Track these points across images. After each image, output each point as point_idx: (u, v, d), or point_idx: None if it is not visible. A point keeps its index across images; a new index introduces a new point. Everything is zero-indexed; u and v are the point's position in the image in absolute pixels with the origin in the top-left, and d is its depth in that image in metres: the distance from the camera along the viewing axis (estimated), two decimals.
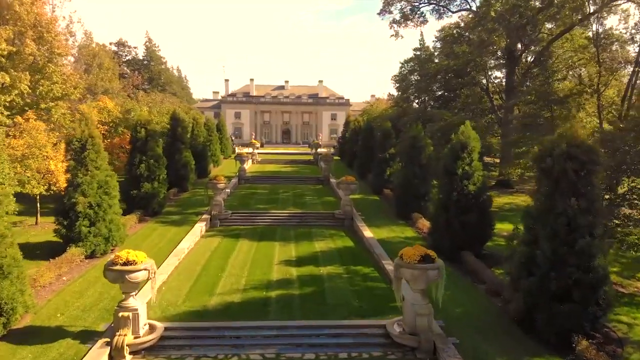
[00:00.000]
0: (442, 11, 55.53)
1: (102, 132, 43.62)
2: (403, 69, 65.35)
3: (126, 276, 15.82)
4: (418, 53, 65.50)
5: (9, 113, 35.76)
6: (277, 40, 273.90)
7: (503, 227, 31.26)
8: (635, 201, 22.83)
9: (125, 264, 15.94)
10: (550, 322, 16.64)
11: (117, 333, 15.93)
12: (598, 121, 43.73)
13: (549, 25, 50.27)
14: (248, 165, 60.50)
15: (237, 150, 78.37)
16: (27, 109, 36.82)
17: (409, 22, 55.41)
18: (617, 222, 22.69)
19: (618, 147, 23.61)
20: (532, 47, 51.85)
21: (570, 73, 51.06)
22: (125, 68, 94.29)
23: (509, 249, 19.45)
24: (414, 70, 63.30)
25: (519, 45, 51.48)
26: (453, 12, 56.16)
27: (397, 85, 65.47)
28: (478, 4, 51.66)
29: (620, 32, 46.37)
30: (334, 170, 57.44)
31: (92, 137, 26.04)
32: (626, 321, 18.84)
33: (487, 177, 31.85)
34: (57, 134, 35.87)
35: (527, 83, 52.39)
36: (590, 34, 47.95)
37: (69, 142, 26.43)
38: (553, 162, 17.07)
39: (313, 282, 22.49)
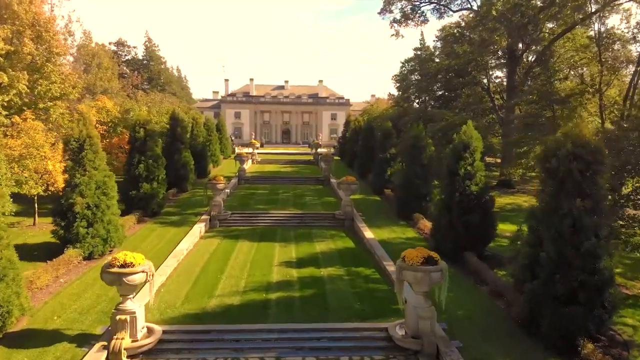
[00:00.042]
0: (442, 10, 55.31)
1: (101, 132, 43.34)
2: (404, 68, 65.14)
3: (123, 279, 15.53)
4: (418, 53, 65.31)
5: (7, 113, 35.48)
6: (277, 40, 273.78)
7: (505, 228, 31.05)
8: None
9: (122, 266, 15.65)
10: (555, 325, 16.34)
11: (115, 337, 15.66)
12: (600, 121, 43.49)
13: (549, 25, 49.99)
14: (248, 166, 60.25)
15: (237, 150, 78.10)
16: (25, 108, 36.50)
17: (409, 22, 55.17)
18: (621, 223, 22.39)
19: (622, 147, 23.34)
20: (533, 47, 51.57)
21: (572, 73, 50.79)
22: (124, 68, 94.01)
23: (512, 250, 19.17)
24: (414, 70, 63.09)
25: (520, 45, 51.23)
26: (454, 12, 55.96)
27: (398, 84, 65.26)
28: (479, 3, 51.45)
29: (622, 31, 46.13)
30: (334, 170, 57.17)
31: (90, 137, 25.74)
32: (631, 323, 18.55)
33: (488, 177, 31.55)
34: (55, 133, 35.59)
35: (528, 83, 52.14)
36: (591, 33, 47.70)
37: (66, 142, 26.18)
38: (558, 163, 16.78)
39: (314, 284, 22.20)
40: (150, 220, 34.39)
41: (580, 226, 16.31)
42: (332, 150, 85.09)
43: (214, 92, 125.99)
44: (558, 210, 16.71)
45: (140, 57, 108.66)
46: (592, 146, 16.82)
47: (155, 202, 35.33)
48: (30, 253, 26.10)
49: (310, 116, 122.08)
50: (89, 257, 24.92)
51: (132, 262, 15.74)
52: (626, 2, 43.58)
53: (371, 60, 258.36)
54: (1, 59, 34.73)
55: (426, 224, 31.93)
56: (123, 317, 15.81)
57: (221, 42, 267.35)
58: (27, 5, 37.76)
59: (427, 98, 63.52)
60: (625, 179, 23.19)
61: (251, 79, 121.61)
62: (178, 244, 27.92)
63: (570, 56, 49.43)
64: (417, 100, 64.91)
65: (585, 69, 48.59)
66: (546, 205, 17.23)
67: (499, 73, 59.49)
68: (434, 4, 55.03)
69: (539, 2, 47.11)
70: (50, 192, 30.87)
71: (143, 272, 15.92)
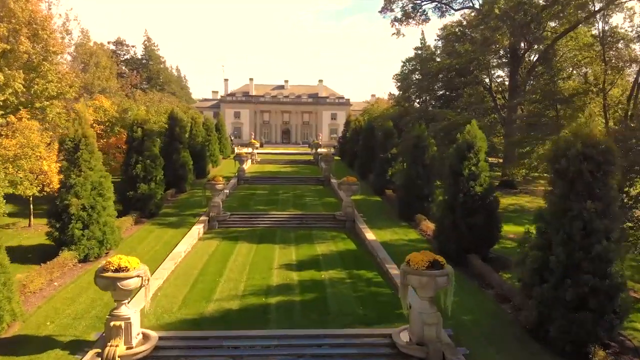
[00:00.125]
0: (444, 9, 54.82)
1: (98, 131, 42.73)
2: (404, 67, 64.63)
3: (118, 283, 14.97)
4: (419, 52, 64.78)
5: (2, 112, 34.87)
6: (276, 40, 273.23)
7: (508, 229, 30.49)
8: None
9: (117, 270, 15.08)
10: (565, 331, 15.80)
11: (109, 343, 15.10)
12: (604, 121, 42.96)
13: (552, 24, 49.45)
14: (247, 166, 59.70)
15: (237, 150, 77.52)
16: (21, 108, 35.95)
17: (410, 20, 54.66)
18: (630, 225, 21.85)
19: (631, 147, 22.79)
20: (536, 46, 51.03)
21: (575, 72, 50.26)
22: (123, 67, 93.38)
23: (519, 253, 18.58)
24: (415, 70, 62.58)
25: (523, 44, 50.71)
26: (455, 10, 55.44)
27: (399, 84, 64.72)
28: (481, 2, 50.87)
29: (626, 30, 45.62)
30: (335, 170, 56.66)
31: (85, 137, 25.16)
32: None
33: (490, 178, 30.99)
34: (51, 133, 34.99)
35: (531, 82, 51.60)
36: (595, 32, 47.20)
37: (61, 142, 25.57)
38: (568, 163, 16.23)
39: (314, 288, 21.62)
40: (148, 221, 33.82)
41: (591, 229, 15.78)
42: (332, 150, 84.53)
43: (213, 91, 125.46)
44: (568, 212, 16.16)
45: (139, 57, 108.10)
46: (603, 146, 16.29)
47: (153, 203, 34.76)
48: (24, 255, 25.62)
49: (310, 116, 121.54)
50: (85, 260, 24.34)
51: (126, 267, 15.16)
52: (630, 0, 43.17)
53: (371, 60, 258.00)
54: None
55: (428, 225, 31.38)
56: (117, 323, 15.24)
57: (221, 42, 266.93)
58: (23, 3, 37.15)
59: (428, 98, 63.02)
60: (634, 180, 22.63)
61: (251, 79, 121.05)
62: (176, 246, 27.35)
63: (573, 55, 48.91)
64: (417, 100, 64.42)
65: (588, 68, 48.10)
66: (555, 207, 16.67)
67: (500, 72, 59.08)
68: (436, 3, 54.54)
69: (541, 1, 46.57)
70: (45, 193, 30.29)
71: (138, 276, 15.35)
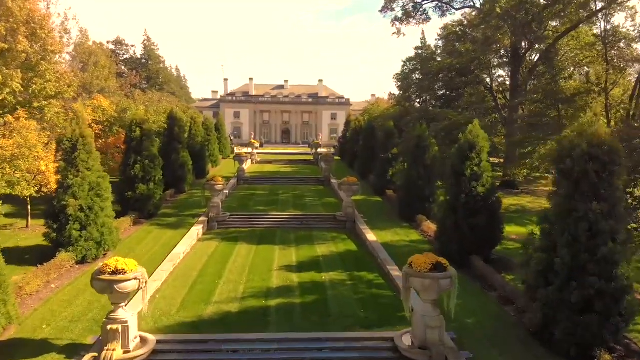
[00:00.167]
0: (445, 8, 54.46)
1: (97, 131, 42.46)
2: (405, 67, 64.34)
3: (115, 286, 14.66)
4: (420, 52, 64.51)
5: (0, 112, 34.61)
6: (276, 40, 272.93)
7: (510, 230, 30.27)
8: None
9: (113, 273, 14.77)
10: (570, 334, 15.52)
11: (106, 347, 14.80)
12: (605, 120, 42.72)
13: (553, 23, 49.15)
14: (247, 166, 59.41)
15: (236, 150, 77.30)
16: (19, 107, 35.65)
17: (411, 20, 54.32)
18: (634, 226, 21.54)
19: (635, 147, 22.50)
20: (537, 45, 50.74)
21: (577, 71, 50.01)
22: (122, 67, 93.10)
23: (523, 255, 18.30)
24: (415, 69, 62.30)
25: (524, 43, 50.43)
26: (456, 9, 55.12)
27: (399, 84, 64.43)
28: (482, 1, 50.54)
29: (628, 29, 45.36)
30: (335, 170, 56.38)
31: (83, 137, 24.84)
32: None
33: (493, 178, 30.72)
34: (49, 133, 34.70)
35: (532, 82, 51.30)
36: (596, 31, 46.93)
37: (59, 141, 25.28)
38: (573, 163, 15.93)
39: (315, 290, 21.32)
40: (147, 222, 33.52)
41: (597, 230, 15.49)
42: (332, 150, 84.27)
43: (213, 91, 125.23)
44: (573, 213, 15.87)
45: (139, 56, 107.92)
46: (609, 146, 16.00)
47: (151, 204, 34.45)
48: (21, 256, 25.36)
49: (310, 116, 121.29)
50: (82, 261, 24.04)
51: (123, 269, 14.86)
52: None
53: (371, 60, 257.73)
54: None
55: (430, 226, 31.11)
56: (114, 326, 14.94)
57: (221, 41, 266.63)
58: (21, 2, 36.85)
59: (428, 97, 62.76)
60: (638, 181, 22.34)
61: (250, 79, 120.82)
62: (175, 247, 27.05)
63: (574, 55, 48.66)
64: (418, 100, 64.18)
65: (590, 67, 47.85)
66: (560, 208, 16.38)
67: (501, 72, 58.80)
68: (436, 2, 54.22)
69: (543, 0, 46.29)
70: (43, 194, 29.98)
71: (135, 279, 15.04)
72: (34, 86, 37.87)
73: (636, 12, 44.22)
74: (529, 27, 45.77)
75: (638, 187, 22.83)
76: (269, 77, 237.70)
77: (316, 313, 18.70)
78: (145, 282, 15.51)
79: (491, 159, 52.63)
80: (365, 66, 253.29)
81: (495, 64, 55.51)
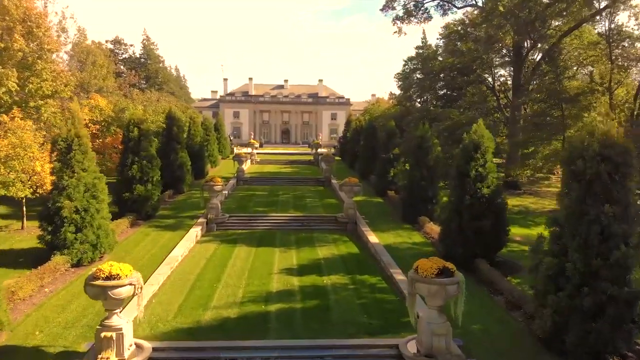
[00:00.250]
0: (446, 7, 53.90)
1: (94, 131, 41.91)
2: (406, 66, 63.78)
3: (109, 292, 14.04)
4: (421, 51, 63.97)
5: None
6: (276, 40, 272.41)
7: (515, 231, 29.59)
8: None
9: (107, 278, 14.13)
10: (581, 340, 14.95)
11: (100, 355, 14.18)
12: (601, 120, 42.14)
13: (555, 23, 48.59)
14: (247, 166, 58.84)
15: (236, 150, 76.76)
16: (15, 107, 35.08)
17: (412, 19, 53.73)
18: None
19: None
20: (540, 45, 50.19)
21: (580, 71, 49.47)
22: (121, 67, 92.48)
23: (532, 258, 17.68)
24: (416, 69, 61.77)
25: (526, 42, 49.89)
26: (458, 8, 54.57)
27: (400, 83, 63.88)
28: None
29: (632, 28, 44.88)
30: (335, 171, 55.82)
31: (78, 137, 24.21)
32: None
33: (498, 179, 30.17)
34: (45, 133, 34.13)
35: (535, 81, 50.76)
36: (600, 30, 46.45)
37: (54, 142, 24.68)
38: (585, 164, 15.36)
39: (316, 294, 20.72)
40: (145, 223, 32.93)
41: (609, 234, 14.92)
42: (333, 150, 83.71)
43: (212, 91, 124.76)
44: (584, 216, 15.29)
45: (138, 56, 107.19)
46: (621, 146, 15.44)
47: (149, 205, 33.85)
48: (15, 259, 24.79)
49: (310, 116, 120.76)
50: (78, 264, 23.42)
51: (118, 274, 14.23)
52: None
53: (371, 60, 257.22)
54: None
55: (433, 228, 30.54)
56: (108, 334, 14.33)
57: (220, 41, 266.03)
58: (17, 0, 36.35)
59: (429, 97, 62.24)
60: None
61: (250, 79, 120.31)
62: (172, 249, 26.45)
63: (577, 54, 48.13)
64: (419, 100, 63.68)
65: (594, 67, 47.31)
66: (571, 211, 15.79)
67: (502, 72, 58.26)
68: (438, 0, 53.62)
69: None
70: (38, 195, 29.41)
71: (130, 284, 14.42)
72: (30, 85, 37.37)
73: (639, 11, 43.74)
74: (532, 26, 45.21)
75: None
76: (269, 77, 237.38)
77: (318, 319, 18.10)
78: (141, 288, 14.89)
79: (494, 159, 52.23)
80: (365, 66, 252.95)
81: (497, 63, 54.99)
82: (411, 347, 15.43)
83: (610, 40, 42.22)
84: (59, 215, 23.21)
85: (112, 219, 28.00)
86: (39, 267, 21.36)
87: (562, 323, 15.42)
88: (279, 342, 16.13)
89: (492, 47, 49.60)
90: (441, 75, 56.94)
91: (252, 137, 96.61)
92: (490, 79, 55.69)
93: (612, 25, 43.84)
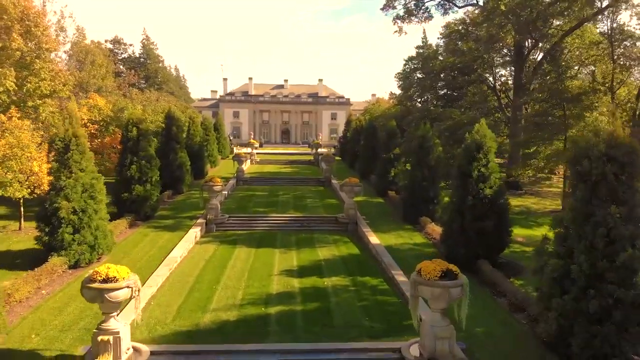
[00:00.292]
0: (447, 6, 53.55)
1: (92, 131, 41.64)
2: (407, 66, 63.49)
3: (106, 295, 13.77)
4: (421, 51, 63.72)
5: None
6: (276, 40, 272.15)
7: (517, 232, 29.30)
8: None
9: (104, 280, 13.88)
10: (587, 345, 14.66)
11: (97, 359, 13.94)
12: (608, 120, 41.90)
13: (556, 22, 48.30)
14: (246, 166, 58.55)
15: (236, 150, 76.46)
16: (13, 107, 34.79)
17: (413, 18, 53.34)
18: None
19: None
20: (541, 44, 49.92)
21: (582, 70, 49.19)
22: (121, 66, 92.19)
23: (536, 260, 17.39)
24: (417, 68, 61.49)
25: (528, 42, 49.62)
26: (459, 7, 54.24)
27: (401, 83, 63.60)
28: None
29: (634, 28, 44.57)
30: (335, 171, 55.55)
31: (76, 137, 23.92)
32: None
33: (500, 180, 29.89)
34: (43, 133, 33.85)
35: (536, 81, 50.47)
36: (602, 29, 46.18)
37: (51, 142, 24.39)
38: (590, 165, 15.08)
39: (317, 296, 20.43)
40: (143, 224, 32.65)
41: (615, 236, 14.64)
42: (333, 150, 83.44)
43: (212, 91, 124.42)
44: (590, 217, 15.02)
45: (137, 55, 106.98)
46: (627, 146, 15.15)
47: (148, 205, 33.55)
48: (12, 261, 24.51)
49: (310, 116, 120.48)
50: (75, 266, 23.13)
51: (115, 277, 13.96)
52: None
53: (371, 60, 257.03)
54: None
55: (434, 229, 30.27)
56: (105, 337, 14.06)
57: (220, 41, 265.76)
58: None
59: (430, 97, 61.99)
60: None
61: (250, 78, 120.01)
62: (171, 250, 26.17)
63: (579, 53, 47.85)
64: (419, 100, 63.43)
65: (595, 66, 47.03)
66: (576, 212, 15.51)
67: (503, 71, 58.00)
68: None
69: None
70: (36, 195, 29.12)
71: (128, 287, 14.15)
72: (29, 85, 37.10)
73: None
74: (533, 25, 44.93)
75: None
76: (269, 77, 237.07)
77: (319, 322, 17.82)
78: (138, 291, 14.63)
79: (495, 159, 51.82)
80: (365, 66, 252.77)
81: (498, 62, 54.71)
82: (414, 351, 15.18)
83: (612, 39, 41.92)
84: (56, 216, 22.91)
85: (111, 220, 27.77)
86: (36, 269, 21.08)
87: (568, 326, 15.13)
88: (279, 345, 15.86)
89: (493, 46, 49.32)
90: (442, 75, 56.66)
91: (252, 137, 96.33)
92: (491, 79, 55.42)
93: (614, 25, 43.60)
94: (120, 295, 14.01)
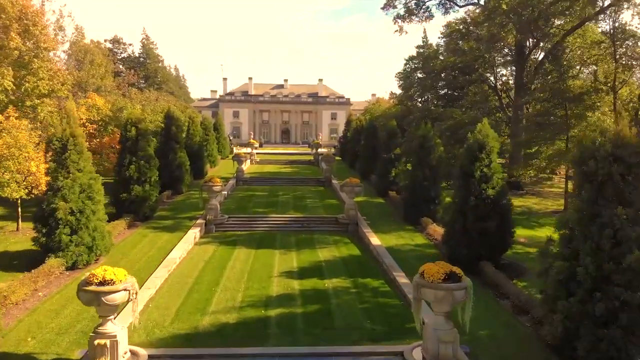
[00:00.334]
0: (448, 5, 53.26)
1: (91, 130, 41.36)
2: (407, 66, 63.20)
3: (102, 298, 13.49)
4: (421, 50, 63.41)
5: None
6: (275, 40, 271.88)
7: (519, 233, 29.10)
8: None
9: (101, 283, 13.59)
10: (593, 348, 14.39)
11: None
12: (614, 120, 41.63)
13: (558, 22, 48.02)
14: (246, 166, 58.29)
15: (235, 150, 76.18)
16: (11, 106, 34.50)
17: (413, 17, 53.04)
18: None
19: None
20: (542, 43, 49.63)
21: (583, 70, 48.90)
22: (120, 66, 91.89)
23: (540, 261, 17.12)
24: (417, 68, 61.21)
25: (529, 41, 49.33)
26: (460, 7, 53.95)
27: (401, 82, 63.31)
28: None
29: (636, 27, 44.36)
30: (335, 171, 55.27)
31: (74, 137, 23.64)
32: None
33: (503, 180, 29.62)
34: (41, 132, 33.55)
35: (537, 80, 50.19)
36: (604, 28, 45.86)
37: (48, 141, 24.11)
38: (596, 165, 14.81)
39: (317, 298, 20.15)
40: (142, 224, 32.37)
41: (622, 237, 14.37)
42: (333, 150, 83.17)
43: (212, 91, 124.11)
44: (596, 218, 14.76)
45: (137, 55, 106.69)
46: (634, 147, 14.90)
47: (147, 206, 33.28)
48: (10, 262, 24.27)
49: (310, 115, 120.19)
50: (73, 267, 22.84)
51: (112, 279, 13.68)
52: None
53: (371, 60, 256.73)
54: None
55: (436, 229, 30.01)
56: (102, 341, 13.77)
57: (220, 41, 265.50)
58: None
59: (430, 97, 61.71)
60: None
61: (250, 78, 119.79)
62: (170, 251, 25.90)
63: (581, 53, 47.56)
64: (419, 99, 63.11)
65: (597, 66, 46.75)
66: (582, 213, 15.24)
67: (504, 71, 57.71)
68: None
69: None
70: (34, 196, 28.83)
71: (125, 290, 13.86)
72: (27, 84, 36.78)
73: None
74: (535, 24, 44.64)
75: None
76: (269, 76, 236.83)
77: (319, 324, 17.54)
78: (136, 293, 14.35)
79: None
80: (365, 66, 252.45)
81: (499, 62, 54.42)
82: (417, 355, 14.90)
83: (615, 39, 41.62)
84: (53, 216, 22.64)
85: (110, 220, 27.54)
86: (33, 271, 20.83)
87: (573, 329, 14.86)
88: (278, 349, 15.59)
89: (494, 45, 49.02)
90: (442, 75, 56.37)
91: (252, 137, 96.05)
92: (492, 78, 55.14)
93: (616, 24, 43.30)
94: (117, 298, 13.73)
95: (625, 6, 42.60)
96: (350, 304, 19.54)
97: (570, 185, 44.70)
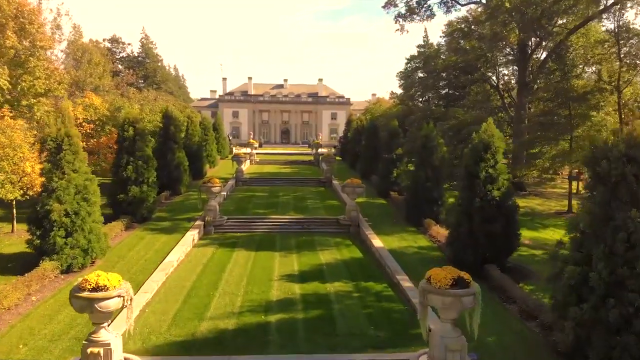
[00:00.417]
0: (450, 4, 52.61)
1: (88, 130, 40.77)
2: (408, 65, 62.68)
3: (95, 305, 12.87)
4: (423, 50, 62.91)
5: None
6: (275, 40, 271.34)
7: (523, 234, 28.44)
8: None
9: (94, 289, 12.97)
10: (606, 356, 13.82)
11: None
12: (618, 119, 41.12)
13: (561, 21, 47.48)
14: (246, 166, 57.76)
15: (235, 150, 75.62)
16: (7, 105, 33.96)
17: (415, 16, 52.48)
18: None
19: None
20: (544, 43, 49.08)
21: (587, 69, 48.36)
22: (119, 65, 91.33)
23: (551, 265, 16.55)
24: (418, 68, 60.71)
25: (531, 41, 48.78)
26: (462, 5, 53.33)
27: (402, 82, 62.81)
28: None
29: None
30: (336, 171, 54.71)
31: (69, 137, 23.07)
32: None
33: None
34: (36, 132, 32.97)
35: (540, 80, 49.65)
36: (607, 27, 45.36)
37: (43, 141, 23.53)
38: (610, 166, 14.25)
39: (319, 303, 19.55)
40: (140, 226, 31.79)
41: (636, 241, 13.80)
42: (333, 150, 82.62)
43: (211, 91, 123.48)
44: (609, 221, 14.19)
45: (136, 55, 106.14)
46: None
47: (144, 207, 32.69)
48: (4, 265, 23.69)
49: (310, 115, 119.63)
50: (67, 271, 22.25)
51: (105, 285, 13.07)
52: None
53: (371, 60, 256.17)
54: None
55: (439, 231, 29.44)
56: (95, 349, 13.18)
57: (219, 41, 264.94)
58: None
59: (431, 96, 61.21)
60: None
61: (249, 78, 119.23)
62: (168, 254, 25.31)
63: (584, 52, 47.04)
64: (421, 99, 62.57)
65: (600, 65, 46.22)
66: (594, 216, 14.68)
67: (506, 70, 57.18)
68: None
69: None
70: (28, 197, 28.24)
71: (119, 296, 13.24)
72: (23, 83, 36.32)
73: None
74: (538, 23, 44.11)
75: None
76: (268, 76, 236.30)
77: (321, 331, 16.93)
78: (131, 300, 13.73)
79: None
80: (365, 66, 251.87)
81: (502, 61, 53.88)
82: None
83: (619, 38, 41.09)
84: (48, 218, 22.07)
85: (107, 221, 26.97)
86: (26, 274, 20.24)
87: (585, 336, 14.30)
88: (280, 356, 15.03)
89: (496, 45, 48.49)
90: (444, 74, 55.91)
91: (252, 137, 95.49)
92: (494, 78, 54.63)
93: (620, 23, 42.76)
94: (111, 304, 13.12)
95: (629, 5, 42.08)
96: (353, 309, 18.96)
97: (574, 186, 44.21)
